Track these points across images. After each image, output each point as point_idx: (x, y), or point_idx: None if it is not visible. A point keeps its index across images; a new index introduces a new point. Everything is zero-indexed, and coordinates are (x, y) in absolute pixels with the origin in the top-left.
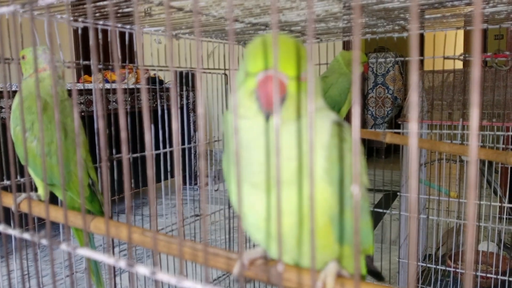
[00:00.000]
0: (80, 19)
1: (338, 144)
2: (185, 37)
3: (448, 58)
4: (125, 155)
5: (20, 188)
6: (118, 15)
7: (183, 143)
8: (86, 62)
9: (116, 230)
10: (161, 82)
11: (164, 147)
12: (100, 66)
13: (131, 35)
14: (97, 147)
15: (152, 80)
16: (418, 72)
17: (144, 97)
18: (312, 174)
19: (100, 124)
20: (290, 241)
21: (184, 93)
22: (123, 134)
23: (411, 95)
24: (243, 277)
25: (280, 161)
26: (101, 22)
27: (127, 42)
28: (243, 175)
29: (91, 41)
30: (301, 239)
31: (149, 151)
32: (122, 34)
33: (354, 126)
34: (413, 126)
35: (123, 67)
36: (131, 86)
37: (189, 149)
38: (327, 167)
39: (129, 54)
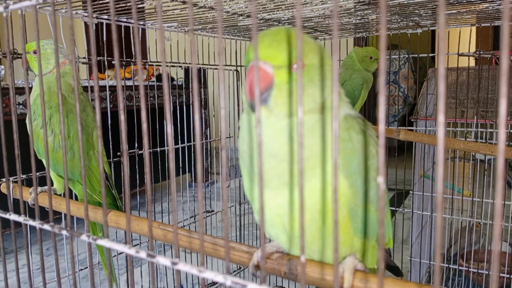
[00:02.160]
0: (93, 15)
1: (351, 137)
2: (198, 33)
3: (462, 55)
4: (146, 148)
5: (31, 182)
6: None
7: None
8: (101, 58)
9: (133, 224)
10: (172, 79)
11: (176, 143)
12: (114, 62)
13: (143, 31)
14: (110, 143)
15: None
16: (444, 65)
17: (166, 91)
18: (336, 167)
19: (121, 117)
20: (306, 236)
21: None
22: (145, 126)
23: (440, 86)
24: (264, 268)
25: (302, 153)
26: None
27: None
28: (254, 172)
29: (105, 37)
30: (317, 233)
31: (171, 144)
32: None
33: (380, 118)
34: (440, 117)
35: (134, 63)
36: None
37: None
38: (340, 160)
39: (140, 51)
